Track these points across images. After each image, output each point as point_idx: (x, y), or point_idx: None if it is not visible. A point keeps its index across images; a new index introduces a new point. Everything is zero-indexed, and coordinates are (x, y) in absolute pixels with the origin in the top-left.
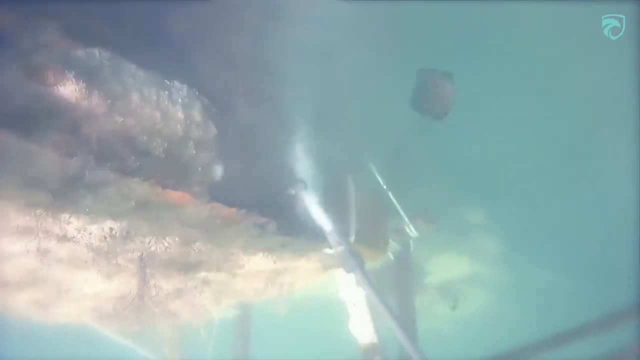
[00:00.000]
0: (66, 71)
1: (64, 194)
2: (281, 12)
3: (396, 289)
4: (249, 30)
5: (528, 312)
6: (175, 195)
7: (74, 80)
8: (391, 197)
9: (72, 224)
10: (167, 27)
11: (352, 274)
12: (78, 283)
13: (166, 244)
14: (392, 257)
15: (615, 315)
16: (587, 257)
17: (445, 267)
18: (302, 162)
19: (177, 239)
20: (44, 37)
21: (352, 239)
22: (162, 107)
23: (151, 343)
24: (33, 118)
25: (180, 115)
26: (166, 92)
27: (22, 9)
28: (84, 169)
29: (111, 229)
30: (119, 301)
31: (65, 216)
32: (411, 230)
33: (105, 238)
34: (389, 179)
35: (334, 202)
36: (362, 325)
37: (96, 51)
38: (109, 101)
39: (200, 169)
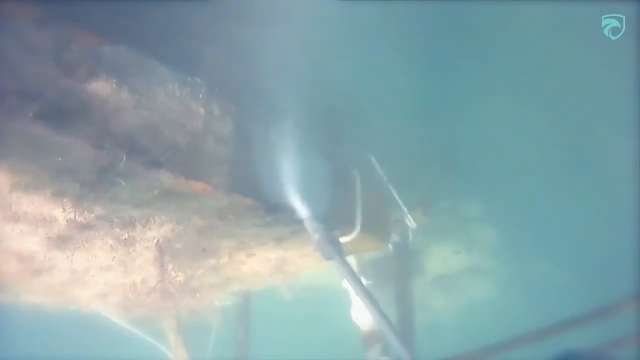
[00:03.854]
0: (97, 67)
1: (91, 184)
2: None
3: (395, 280)
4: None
5: (526, 303)
6: (196, 185)
7: (104, 76)
8: (391, 188)
9: (96, 212)
10: (186, 25)
11: (332, 261)
12: (94, 270)
13: (183, 232)
14: (391, 247)
15: (613, 305)
16: (586, 249)
17: (443, 258)
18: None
19: (193, 227)
20: (72, 34)
21: (358, 228)
22: (184, 102)
23: (155, 331)
24: (66, 112)
25: (201, 110)
26: (188, 88)
27: (52, 6)
28: (112, 160)
29: (132, 217)
30: (133, 288)
31: (89, 205)
32: (410, 222)
33: (126, 226)
34: (388, 171)
35: (340, 192)
36: (363, 313)
37: (122, 48)
38: (136, 96)
39: (219, 161)
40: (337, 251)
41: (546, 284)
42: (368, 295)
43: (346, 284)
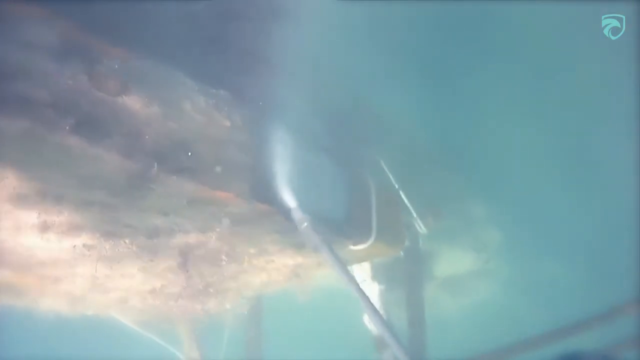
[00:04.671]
0: (127, 81)
1: (120, 193)
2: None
3: (406, 284)
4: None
5: (532, 303)
6: (220, 194)
7: (134, 89)
8: (402, 194)
9: (122, 221)
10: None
11: (319, 252)
12: (116, 276)
13: (205, 239)
14: (401, 252)
15: (618, 308)
16: (591, 248)
17: (451, 260)
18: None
19: (215, 234)
20: (103, 49)
21: (373, 237)
22: (209, 113)
23: (170, 336)
24: (99, 124)
25: (225, 121)
26: (213, 100)
27: (84, 21)
28: (141, 170)
29: (156, 225)
30: (153, 294)
31: (116, 213)
32: (420, 227)
33: (151, 234)
34: (400, 177)
35: (355, 200)
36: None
37: (150, 62)
38: (164, 109)
39: (242, 169)
40: (324, 241)
41: (551, 284)
42: (358, 288)
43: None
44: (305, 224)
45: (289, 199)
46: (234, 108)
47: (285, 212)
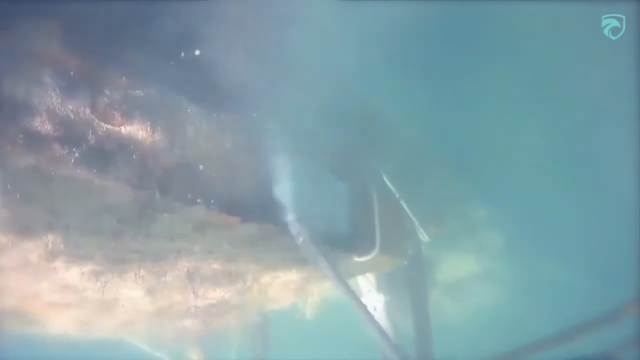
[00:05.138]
0: (130, 111)
1: (129, 221)
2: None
3: (410, 292)
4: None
5: (534, 306)
6: (228, 217)
7: (138, 118)
8: (403, 204)
9: (130, 246)
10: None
11: (317, 263)
12: (123, 299)
13: (212, 261)
14: (405, 261)
15: (619, 310)
16: (592, 251)
17: (454, 265)
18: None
19: (222, 255)
20: (105, 78)
21: (377, 249)
22: (212, 137)
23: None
24: (105, 155)
25: (228, 144)
26: (215, 124)
27: (89, 53)
28: (149, 198)
29: (163, 249)
30: (161, 315)
31: (125, 240)
32: (423, 235)
33: (158, 258)
34: (400, 186)
35: (359, 213)
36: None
37: (152, 90)
38: (169, 135)
39: (248, 190)
40: (321, 253)
41: (553, 287)
42: (357, 300)
43: (366, 300)
44: (302, 237)
45: (288, 213)
46: (237, 130)
47: (285, 227)
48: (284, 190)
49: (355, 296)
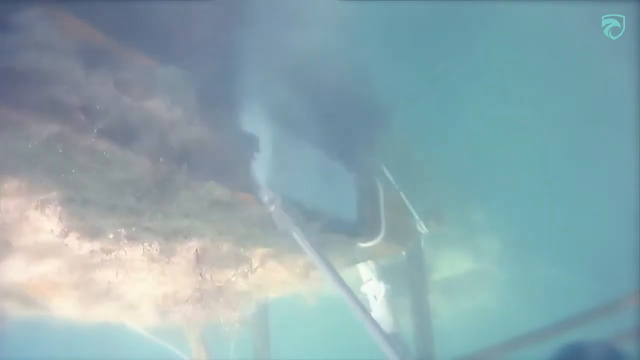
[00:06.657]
0: (151, 86)
1: (145, 196)
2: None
3: (409, 285)
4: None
5: (531, 307)
6: (242, 196)
7: (159, 94)
8: (402, 195)
9: (144, 224)
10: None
11: (292, 234)
12: (130, 281)
13: (222, 241)
14: (403, 254)
15: (617, 300)
16: (588, 252)
17: (450, 264)
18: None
19: (232, 237)
20: (128, 56)
21: (381, 234)
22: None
23: (178, 341)
24: (128, 128)
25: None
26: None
27: (111, 28)
28: (167, 173)
29: (175, 228)
30: (166, 299)
31: (140, 217)
32: (422, 228)
33: (169, 237)
34: (399, 178)
35: (365, 200)
36: (384, 317)
37: (173, 68)
38: (187, 112)
39: (260, 172)
40: (296, 223)
41: (550, 288)
42: (337, 276)
43: (365, 289)
44: (274, 206)
45: (260, 181)
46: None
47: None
48: (297, 178)
49: (333, 270)
